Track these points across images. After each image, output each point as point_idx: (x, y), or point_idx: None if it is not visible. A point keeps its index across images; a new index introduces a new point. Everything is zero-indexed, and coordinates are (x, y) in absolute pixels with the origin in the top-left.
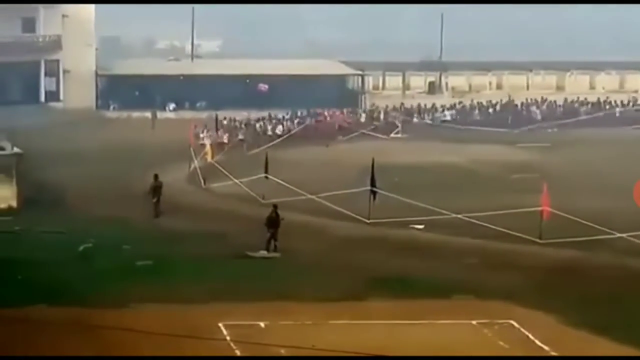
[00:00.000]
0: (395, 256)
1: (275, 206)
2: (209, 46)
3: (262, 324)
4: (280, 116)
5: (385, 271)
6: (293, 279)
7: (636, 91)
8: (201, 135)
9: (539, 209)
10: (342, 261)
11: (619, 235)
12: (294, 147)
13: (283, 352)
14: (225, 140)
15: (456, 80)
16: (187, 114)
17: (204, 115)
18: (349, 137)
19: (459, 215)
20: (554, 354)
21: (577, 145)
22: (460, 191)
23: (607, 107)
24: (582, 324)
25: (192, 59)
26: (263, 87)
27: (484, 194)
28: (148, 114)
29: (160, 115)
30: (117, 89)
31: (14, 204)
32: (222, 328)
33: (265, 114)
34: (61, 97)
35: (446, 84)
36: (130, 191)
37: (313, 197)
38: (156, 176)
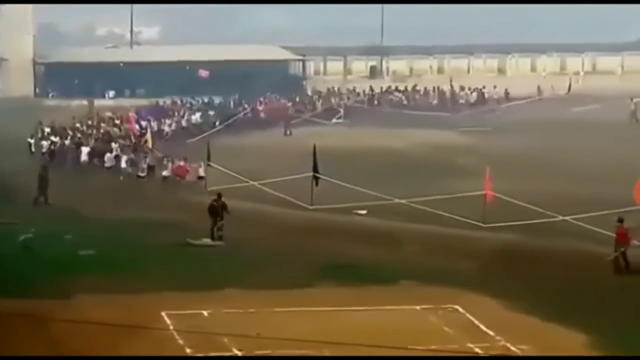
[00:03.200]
0: (339, 242)
1: (218, 194)
2: (148, 32)
3: (205, 313)
4: (221, 102)
5: (329, 258)
6: (237, 267)
7: (577, 73)
8: (143, 124)
9: (482, 193)
10: (286, 248)
11: (562, 218)
12: (236, 134)
13: (226, 340)
14: (167, 129)
15: (397, 65)
16: (127, 102)
17: (144, 102)
18: (291, 123)
19: (402, 201)
20: (498, 338)
21: (519, 128)
22: (403, 176)
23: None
24: (527, 308)
25: (131, 45)
26: (204, 73)
27: (426, 179)
28: (85, 102)
29: (99, 103)
30: (56, 77)
31: None
32: (165, 317)
33: (206, 100)
34: None
35: (387, 68)
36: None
37: (255, 183)
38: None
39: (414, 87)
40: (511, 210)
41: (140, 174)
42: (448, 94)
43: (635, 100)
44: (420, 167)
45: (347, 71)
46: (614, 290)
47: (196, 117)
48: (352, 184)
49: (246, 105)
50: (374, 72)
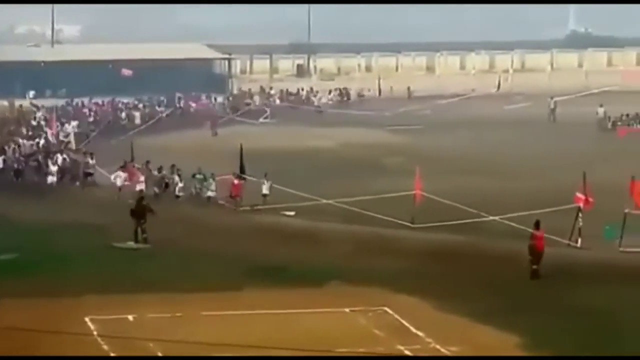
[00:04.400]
0: (268, 244)
1: (141, 196)
2: (70, 31)
3: (130, 317)
4: (147, 102)
5: (258, 260)
6: (164, 269)
7: (506, 71)
8: (67, 126)
9: (412, 192)
10: (214, 251)
11: (492, 217)
12: (161, 133)
13: (152, 345)
14: (93, 128)
15: (325, 63)
16: (48, 102)
17: (64, 102)
18: (218, 122)
19: (331, 201)
20: (429, 340)
21: (450, 127)
22: (332, 176)
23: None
24: (457, 309)
25: (52, 44)
26: (127, 72)
27: (356, 179)
28: (6, 102)
29: (20, 103)
30: None
31: None
32: (89, 322)
33: (130, 99)
34: None
35: (314, 66)
36: None
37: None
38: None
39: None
40: (441, 209)
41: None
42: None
43: (554, 99)
44: (350, 167)
45: (273, 70)
46: (544, 290)
47: (119, 116)
48: (280, 184)
49: (171, 105)
50: (301, 71)
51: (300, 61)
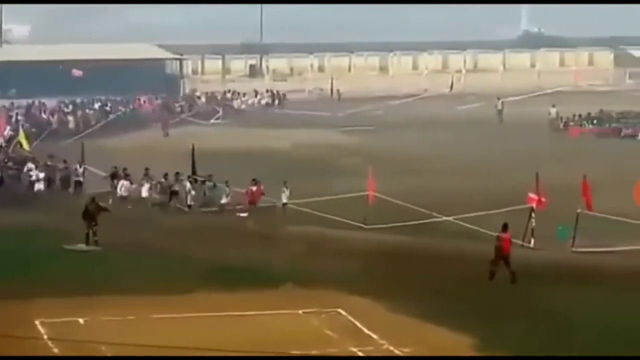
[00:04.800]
0: (221, 246)
1: (92, 198)
2: (19, 31)
3: (81, 320)
4: (99, 102)
5: (212, 262)
6: (116, 272)
7: (459, 71)
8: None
9: (365, 193)
10: (167, 252)
11: (445, 218)
12: (113, 135)
13: (104, 349)
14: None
15: (277, 63)
16: None
17: (15, 102)
18: (169, 123)
19: (284, 202)
20: (382, 342)
21: (402, 127)
22: (286, 177)
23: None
24: (410, 310)
25: (1, 44)
26: (77, 72)
27: (309, 179)
28: None
29: None
30: None
31: None
32: (39, 326)
33: (81, 100)
34: None
35: (267, 67)
36: None
37: (135, 185)
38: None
39: None
40: (394, 210)
41: None
42: None
43: (502, 100)
44: (304, 168)
45: (225, 70)
46: (497, 291)
47: (71, 118)
48: (234, 185)
49: (122, 106)
50: (253, 71)
51: (253, 61)
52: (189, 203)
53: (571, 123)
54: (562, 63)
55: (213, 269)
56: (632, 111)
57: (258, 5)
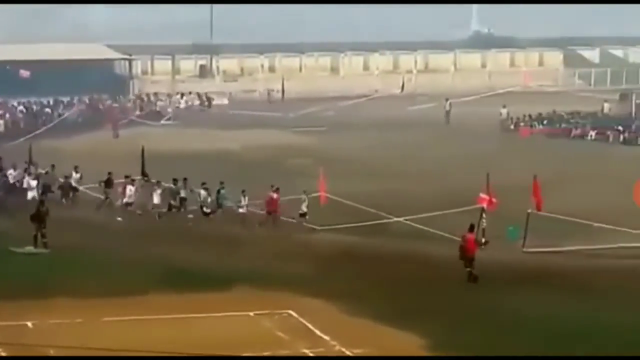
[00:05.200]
0: (173, 248)
1: (41, 201)
2: None
3: (29, 324)
4: (44, 103)
5: (162, 264)
6: (65, 274)
7: (410, 71)
8: None
9: (316, 194)
10: (118, 255)
11: (396, 219)
12: (61, 136)
13: (52, 352)
14: None
15: (228, 63)
16: None
17: None
18: (119, 124)
19: (233, 204)
20: (333, 343)
21: (353, 128)
22: (237, 178)
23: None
24: (361, 311)
25: None
26: (25, 73)
27: (260, 181)
28: None
29: None
30: None
31: None
32: None
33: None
34: None
35: (217, 67)
36: None
37: (81, 188)
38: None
39: None
40: (345, 211)
41: None
42: None
43: (449, 101)
44: (255, 169)
45: (175, 71)
46: (447, 291)
47: (16, 118)
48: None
49: (71, 107)
50: (203, 72)
51: (203, 62)
52: (205, 211)
53: (521, 124)
54: (512, 63)
55: (165, 272)
56: (582, 111)
57: (208, 5)
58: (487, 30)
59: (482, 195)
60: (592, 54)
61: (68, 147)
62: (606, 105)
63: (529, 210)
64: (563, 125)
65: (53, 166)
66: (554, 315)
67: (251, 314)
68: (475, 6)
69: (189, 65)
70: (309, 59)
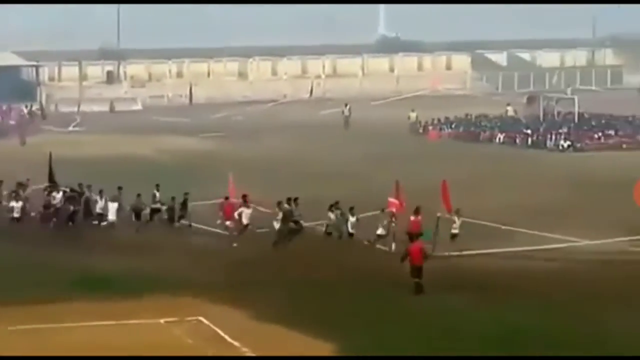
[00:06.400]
0: (85, 254)
1: None
2: None
3: None
4: None
5: (76, 271)
6: None
7: (318, 76)
8: None
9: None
10: (31, 261)
11: (307, 224)
12: None
13: None
14: None
15: (135, 69)
16: None
17: None
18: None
19: (147, 210)
20: (244, 349)
21: (261, 133)
22: (145, 183)
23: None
24: (273, 317)
25: None
26: None
27: (171, 186)
28: None
29: None
30: None
31: None
32: None
33: None
34: None
35: (125, 72)
36: None
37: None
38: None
39: None
40: (255, 216)
41: None
42: None
43: (349, 106)
44: (166, 174)
45: (83, 77)
46: (357, 296)
47: None
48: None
49: None
50: (111, 77)
51: (110, 67)
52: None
53: (430, 127)
54: (420, 67)
55: (77, 278)
56: (489, 115)
57: (115, 11)
58: (394, 35)
59: (392, 200)
60: (499, 57)
61: None
62: (509, 108)
63: (439, 214)
64: (472, 128)
65: None
66: (462, 319)
67: (161, 321)
68: (382, 10)
69: (96, 71)
70: (217, 64)
